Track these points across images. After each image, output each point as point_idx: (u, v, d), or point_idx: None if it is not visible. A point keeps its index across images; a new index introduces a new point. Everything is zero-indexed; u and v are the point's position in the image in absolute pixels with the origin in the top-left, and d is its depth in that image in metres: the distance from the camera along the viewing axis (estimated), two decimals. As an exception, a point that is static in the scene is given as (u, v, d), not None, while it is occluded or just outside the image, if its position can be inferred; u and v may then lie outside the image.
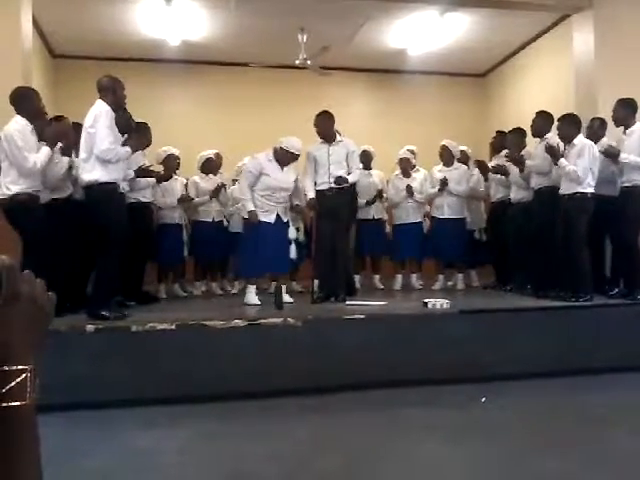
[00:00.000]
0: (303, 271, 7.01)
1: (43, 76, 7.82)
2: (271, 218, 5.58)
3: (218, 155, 7.26)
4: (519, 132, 6.46)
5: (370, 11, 7.71)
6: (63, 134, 4.94)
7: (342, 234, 5.86)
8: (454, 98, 10.11)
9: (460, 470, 3.04)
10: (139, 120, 5.69)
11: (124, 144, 4.86)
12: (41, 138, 4.83)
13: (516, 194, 6.30)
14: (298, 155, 5.68)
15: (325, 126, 5.82)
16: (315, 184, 5.82)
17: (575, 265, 5.47)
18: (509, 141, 6.54)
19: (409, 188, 7.09)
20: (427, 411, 3.97)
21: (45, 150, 4.66)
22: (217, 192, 6.90)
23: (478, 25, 8.25)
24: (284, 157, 5.62)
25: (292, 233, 5.65)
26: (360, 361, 4.47)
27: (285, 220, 5.70)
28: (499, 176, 6.61)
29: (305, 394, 4.18)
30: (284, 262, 5.66)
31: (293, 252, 5.62)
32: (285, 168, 5.68)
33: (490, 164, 6.95)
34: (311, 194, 5.81)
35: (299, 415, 3.91)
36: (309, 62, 8.02)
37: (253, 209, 5.52)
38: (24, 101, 4.74)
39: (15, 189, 4.58)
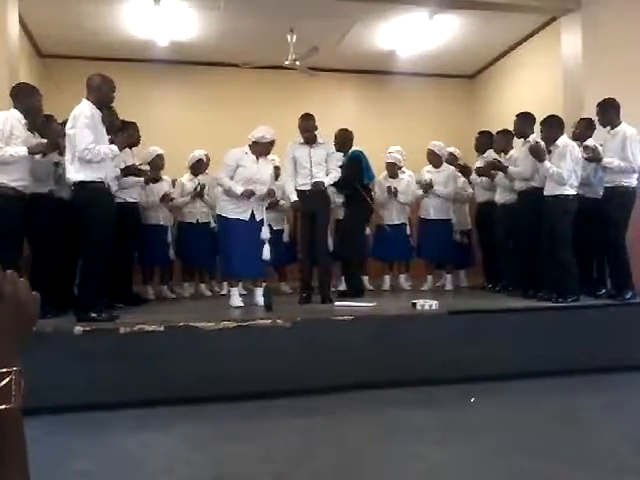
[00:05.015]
0: (292, 272, 7.01)
1: (30, 76, 7.74)
2: (245, 216, 5.52)
3: (207, 156, 7.24)
4: (506, 134, 6.49)
5: (359, 12, 7.72)
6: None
7: (324, 234, 5.88)
8: (443, 99, 10.14)
9: (448, 470, 3.05)
10: (127, 119, 5.67)
11: (111, 143, 4.83)
12: (41, 134, 4.96)
13: (500, 196, 6.34)
14: (272, 141, 5.64)
15: (312, 129, 5.86)
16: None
17: (560, 266, 5.50)
18: (495, 143, 6.59)
19: (390, 189, 7.12)
20: (416, 411, 3.97)
21: (21, 150, 4.63)
22: (198, 193, 6.86)
23: (467, 27, 8.29)
24: (260, 148, 5.59)
25: (265, 233, 5.55)
26: (349, 362, 4.47)
27: (259, 219, 5.58)
28: (483, 179, 6.64)
29: (294, 395, 4.17)
30: (258, 265, 5.56)
31: (267, 252, 5.48)
32: (261, 161, 5.64)
33: (474, 164, 6.98)
34: (293, 197, 5.83)
35: (289, 416, 3.91)
36: (298, 63, 8.01)
37: (242, 190, 5.42)
38: (24, 96, 4.78)
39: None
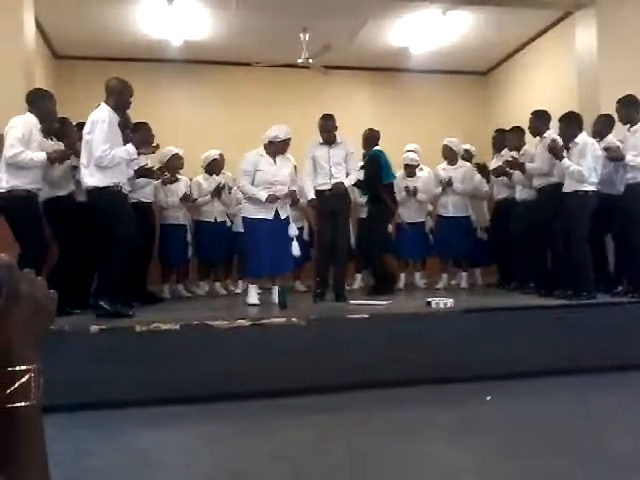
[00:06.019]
0: (307, 270, 7.01)
1: (46, 77, 7.82)
2: (269, 215, 5.53)
3: (221, 155, 7.27)
4: (518, 131, 6.46)
5: (372, 9, 7.71)
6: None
7: (343, 233, 5.88)
8: (456, 96, 10.09)
9: (464, 469, 3.04)
10: (141, 120, 5.70)
11: (125, 142, 4.85)
12: (58, 138, 5.08)
13: (521, 193, 6.28)
14: (288, 140, 5.62)
15: (332, 129, 5.86)
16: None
17: (576, 263, 5.46)
18: (508, 140, 6.55)
19: (408, 189, 7.10)
20: (431, 410, 3.96)
21: (41, 155, 4.68)
22: (218, 192, 6.90)
23: (480, 23, 8.24)
24: (276, 148, 5.59)
25: (293, 230, 5.57)
26: (364, 360, 4.46)
27: (284, 217, 5.60)
28: (501, 177, 6.60)
29: (309, 393, 4.17)
30: (287, 261, 5.60)
31: (296, 249, 5.52)
32: (278, 161, 5.63)
33: (491, 163, 6.95)
34: (311, 195, 5.82)
35: (303, 415, 3.91)
36: (311, 61, 8.01)
37: (266, 195, 5.43)
38: (38, 101, 4.84)
39: (12, 183, 4.62)
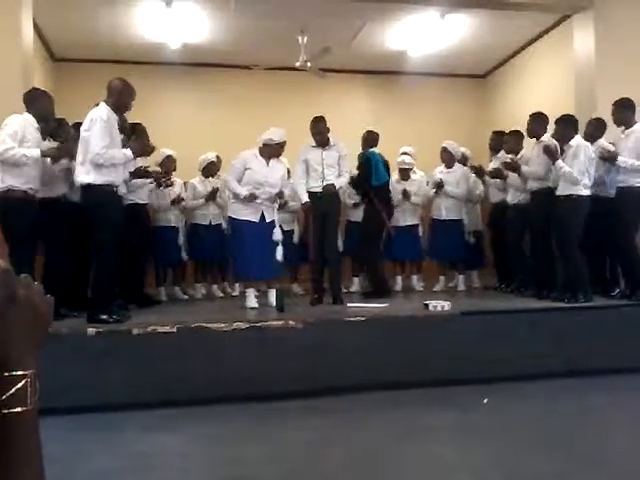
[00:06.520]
0: (304, 273, 7.01)
1: (44, 79, 7.82)
2: (255, 217, 5.54)
3: (218, 158, 7.26)
4: (516, 134, 6.48)
5: (370, 12, 7.71)
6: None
7: (334, 234, 5.89)
8: (454, 99, 10.10)
9: (461, 471, 3.04)
10: (137, 121, 5.69)
11: (124, 147, 4.85)
12: (55, 138, 5.08)
13: (513, 196, 6.31)
14: (282, 143, 5.65)
15: (323, 131, 5.86)
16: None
17: (570, 266, 5.48)
18: (506, 143, 6.57)
19: (404, 192, 7.11)
20: (428, 412, 3.96)
21: (34, 152, 4.66)
22: (213, 195, 6.90)
23: (478, 26, 8.26)
24: (270, 150, 5.61)
25: (277, 235, 5.53)
26: (361, 363, 4.46)
27: (270, 220, 5.59)
28: (497, 180, 6.61)
29: (307, 396, 4.18)
30: (272, 266, 5.52)
31: (280, 254, 5.47)
32: (271, 163, 5.65)
33: (489, 164, 6.96)
34: (305, 198, 5.83)
35: (300, 417, 3.91)
36: (309, 64, 8.01)
37: (246, 193, 5.47)
38: (35, 101, 4.85)
39: (9, 183, 4.60)
